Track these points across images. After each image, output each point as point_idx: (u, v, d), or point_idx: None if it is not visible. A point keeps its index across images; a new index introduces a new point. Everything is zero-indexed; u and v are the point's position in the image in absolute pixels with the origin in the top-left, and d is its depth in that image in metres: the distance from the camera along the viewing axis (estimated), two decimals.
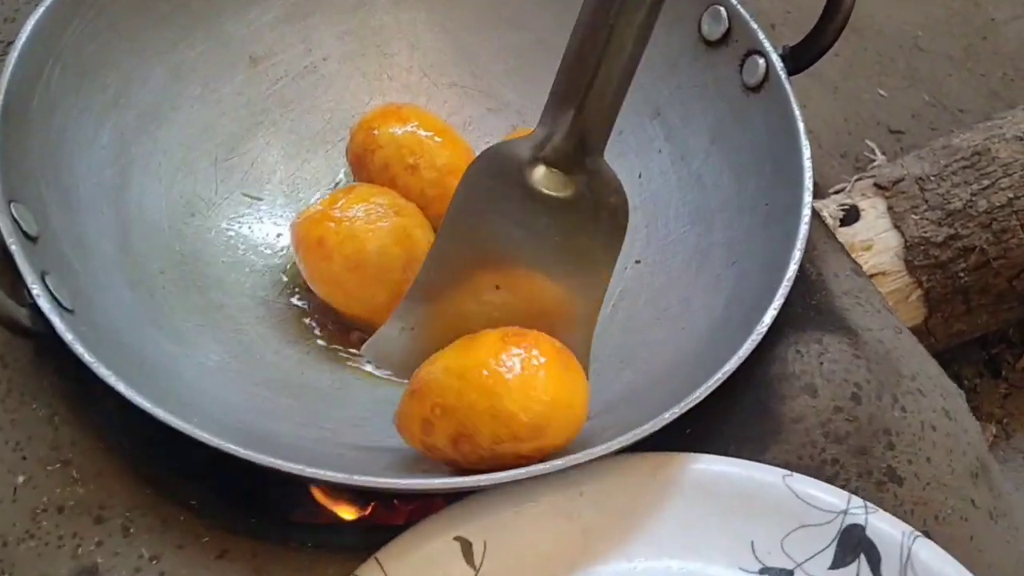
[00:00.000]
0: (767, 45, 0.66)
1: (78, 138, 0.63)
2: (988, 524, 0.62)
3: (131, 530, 0.55)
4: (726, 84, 0.68)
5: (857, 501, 0.54)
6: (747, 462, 0.55)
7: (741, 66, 0.67)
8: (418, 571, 0.52)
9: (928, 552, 0.53)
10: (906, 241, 0.82)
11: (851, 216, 0.84)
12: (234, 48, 0.72)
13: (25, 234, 0.55)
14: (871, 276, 0.81)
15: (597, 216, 0.57)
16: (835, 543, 0.54)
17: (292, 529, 0.57)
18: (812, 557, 0.54)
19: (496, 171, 0.56)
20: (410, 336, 0.60)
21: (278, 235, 0.71)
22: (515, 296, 0.58)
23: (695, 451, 0.56)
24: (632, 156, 0.72)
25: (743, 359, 0.55)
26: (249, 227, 0.70)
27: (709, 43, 0.69)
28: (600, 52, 0.51)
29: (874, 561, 0.53)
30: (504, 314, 0.57)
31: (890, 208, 0.84)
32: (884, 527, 0.54)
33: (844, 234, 0.84)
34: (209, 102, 0.71)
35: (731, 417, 0.59)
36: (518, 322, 0.55)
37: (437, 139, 0.68)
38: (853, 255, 0.77)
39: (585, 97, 0.52)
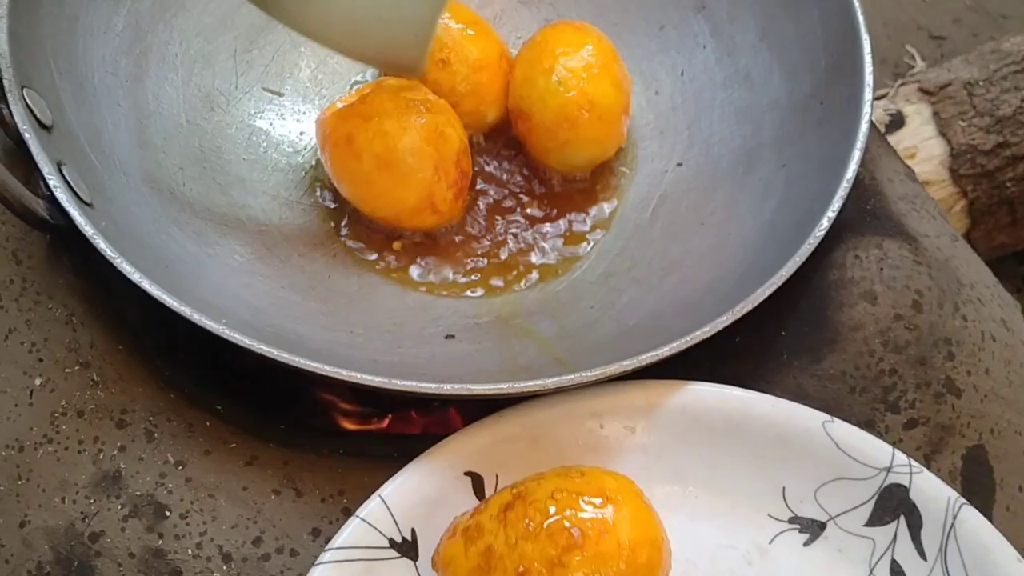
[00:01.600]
0: None
1: (92, 25, 0.61)
2: None
3: (155, 435, 0.53)
4: None
5: (901, 458, 0.51)
6: (787, 403, 0.52)
7: None
8: (427, 510, 0.50)
9: (975, 522, 0.50)
10: (952, 149, 0.79)
11: (896, 122, 0.81)
12: None
13: (39, 122, 0.53)
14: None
15: None
16: (874, 500, 0.51)
17: (323, 437, 0.55)
18: (847, 511, 0.52)
19: None
20: None
21: (301, 132, 0.68)
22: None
23: (746, 360, 0.54)
24: (674, 52, 0.70)
25: (799, 264, 0.52)
26: (271, 123, 0.67)
27: None
28: None
29: (915, 525, 0.51)
30: None
31: (936, 114, 0.80)
32: (929, 490, 0.50)
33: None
34: None
35: (786, 325, 0.56)
36: None
37: (470, 31, 0.65)
38: None
39: None
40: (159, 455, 0.52)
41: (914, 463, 0.50)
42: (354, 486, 0.52)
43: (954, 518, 0.50)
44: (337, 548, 0.48)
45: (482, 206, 0.66)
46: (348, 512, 0.51)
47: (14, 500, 0.52)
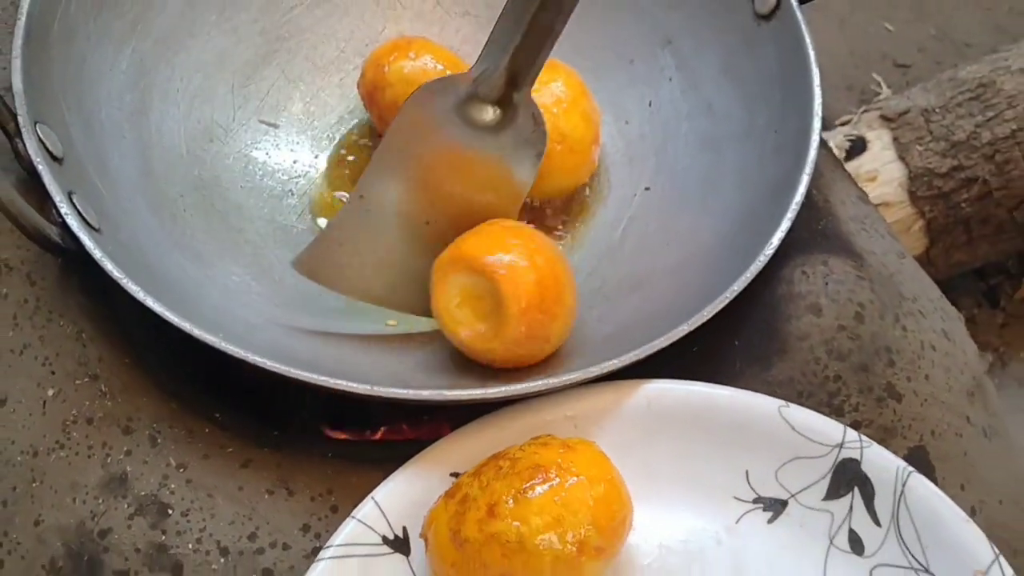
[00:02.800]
0: None
1: (98, 64, 0.65)
2: (982, 441, 0.64)
3: (158, 440, 0.57)
4: (737, 12, 0.69)
5: (852, 435, 0.55)
6: (744, 392, 0.56)
7: None
8: (416, 509, 0.54)
9: (922, 488, 0.54)
10: (910, 172, 0.84)
11: (857, 147, 0.86)
12: None
13: (51, 154, 0.57)
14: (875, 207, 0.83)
15: (518, 144, 0.63)
16: (830, 475, 0.55)
17: (313, 442, 0.59)
18: (806, 488, 0.56)
19: (435, 101, 0.62)
20: (341, 251, 0.63)
21: (294, 161, 0.72)
22: (443, 226, 0.62)
23: (703, 369, 0.59)
24: (642, 84, 0.74)
25: (749, 280, 0.57)
26: (266, 153, 0.72)
27: None
28: (535, 6, 0.57)
29: (868, 495, 0.55)
30: (435, 241, 0.60)
31: (895, 139, 0.85)
32: (879, 461, 0.55)
33: (850, 165, 0.85)
34: (225, 29, 0.72)
35: (738, 336, 0.61)
36: (447, 242, 0.59)
37: (448, 73, 0.69)
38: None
39: (521, 40, 0.58)
40: (162, 459, 0.56)
41: (864, 438, 0.55)
42: (342, 486, 0.56)
43: (903, 486, 0.54)
44: (336, 546, 0.52)
45: None
46: (336, 510, 0.55)
47: (29, 501, 0.56)
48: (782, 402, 0.56)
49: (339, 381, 0.53)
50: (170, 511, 0.55)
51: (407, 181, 0.62)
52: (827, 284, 0.61)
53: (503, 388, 0.54)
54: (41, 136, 0.57)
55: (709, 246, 0.64)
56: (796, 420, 0.55)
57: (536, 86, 0.65)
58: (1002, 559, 0.52)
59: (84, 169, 0.60)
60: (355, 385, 0.53)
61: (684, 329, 0.55)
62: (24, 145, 0.56)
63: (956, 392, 0.62)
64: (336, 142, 0.74)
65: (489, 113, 0.62)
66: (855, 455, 0.55)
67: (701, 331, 0.56)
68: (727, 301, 0.56)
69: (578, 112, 0.67)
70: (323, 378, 0.53)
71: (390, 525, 0.53)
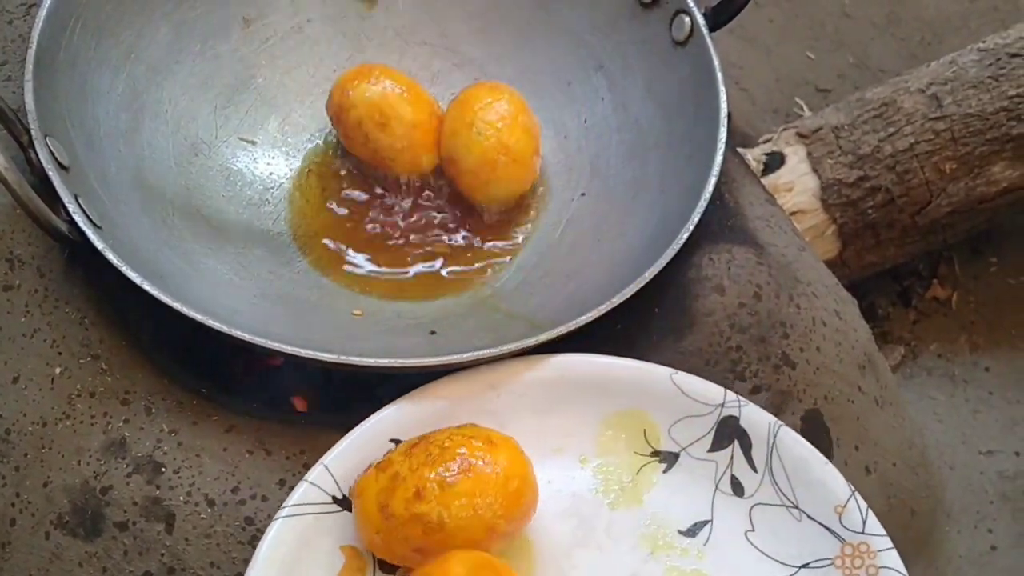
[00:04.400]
0: (692, 6, 0.76)
1: (97, 86, 0.73)
2: (874, 409, 0.73)
3: (152, 410, 0.65)
4: (658, 40, 0.79)
5: (732, 396, 0.64)
6: (641, 362, 0.65)
7: (671, 24, 0.78)
8: (360, 472, 0.61)
9: (790, 438, 0.63)
10: (822, 182, 0.93)
11: (776, 161, 0.96)
12: (229, 10, 0.82)
13: (59, 163, 0.65)
14: (791, 214, 0.92)
15: None
16: (713, 431, 0.64)
17: (287, 411, 0.67)
18: (694, 442, 0.64)
19: None
20: None
21: (270, 173, 0.81)
22: None
23: (626, 341, 0.68)
24: (579, 104, 0.83)
25: (662, 266, 0.66)
26: (246, 166, 0.80)
27: (644, 4, 0.79)
28: None
29: (746, 446, 0.64)
30: None
31: (809, 154, 0.95)
32: (754, 417, 0.64)
33: (770, 177, 0.95)
34: (208, 57, 0.81)
35: (655, 314, 0.69)
36: None
37: (405, 95, 0.77)
38: (776, 196, 0.89)
39: None
40: (156, 425, 0.64)
41: (741, 398, 0.64)
42: (312, 447, 0.64)
43: (774, 437, 0.63)
44: (292, 505, 0.59)
45: (425, 228, 0.79)
46: (307, 467, 0.63)
47: (39, 465, 0.64)
48: (672, 370, 0.64)
49: (309, 351, 0.61)
50: (163, 469, 0.63)
51: None
52: (730, 268, 0.70)
53: (448, 357, 0.63)
54: (51, 147, 0.65)
55: (634, 241, 0.73)
56: (684, 385, 0.64)
57: (482, 104, 0.73)
58: (858, 496, 0.61)
59: (87, 177, 0.68)
60: (323, 354, 0.61)
61: (606, 307, 0.64)
62: (36, 155, 0.65)
63: (847, 363, 0.71)
64: (305, 156, 0.82)
65: None
66: (735, 413, 0.64)
67: (624, 310, 0.65)
68: (643, 283, 0.65)
69: (520, 127, 0.76)
70: (296, 349, 0.61)
71: (338, 486, 0.61)
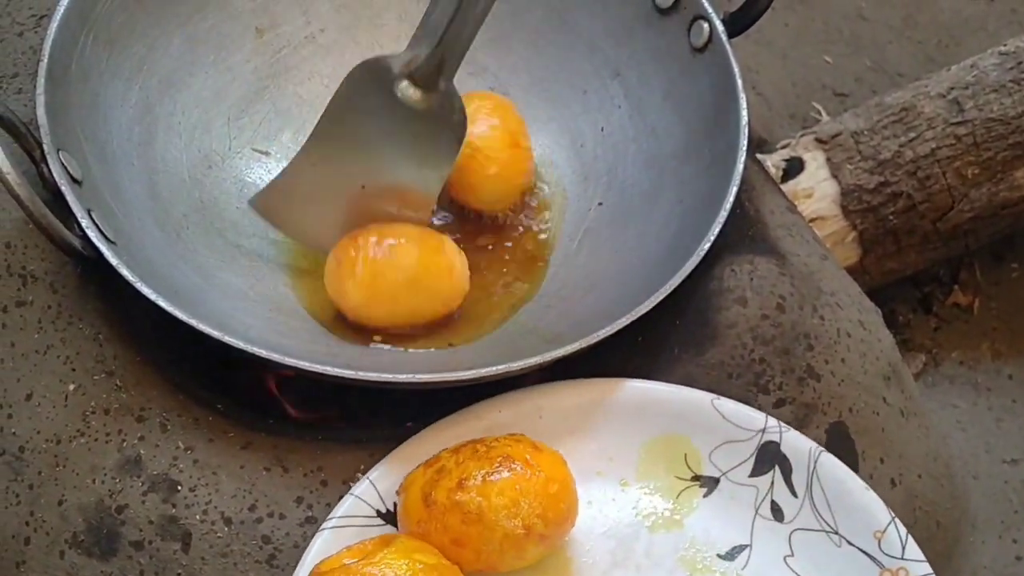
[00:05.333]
0: (711, 11, 0.75)
1: (110, 99, 0.73)
2: (899, 420, 0.72)
3: (168, 427, 0.64)
4: (676, 47, 0.77)
5: (773, 422, 0.64)
6: (682, 387, 0.65)
7: (688, 30, 0.76)
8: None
9: (831, 464, 0.63)
10: (842, 188, 0.92)
11: (795, 168, 0.94)
12: (242, 20, 0.81)
13: (72, 177, 0.65)
14: (811, 221, 0.91)
15: (441, 127, 0.72)
16: (754, 456, 0.64)
17: (305, 427, 0.67)
18: (735, 467, 0.64)
19: (370, 78, 0.70)
20: (290, 197, 0.73)
21: None
22: (376, 191, 0.72)
23: (646, 355, 0.67)
24: (595, 112, 0.82)
25: (683, 278, 0.65)
26: (259, 177, 0.80)
27: (661, 11, 0.78)
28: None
29: (786, 471, 0.63)
30: (369, 201, 0.72)
31: (828, 160, 0.94)
32: (795, 443, 0.64)
33: (789, 184, 0.94)
34: (221, 68, 0.80)
35: (676, 326, 0.69)
36: (379, 204, 0.71)
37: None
38: (796, 203, 0.88)
39: (446, 31, 0.67)
40: (171, 443, 0.64)
41: (782, 424, 0.63)
42: (330, 463, 0.63)
43: (815, 463, 0.63)
44: (338, 517, 0.60)
45: None
46: (325, 484, 0.62)
47: (53, 483, 0.63)
48: (714, 395, 0.64)
49: (327, 367, 0.61)
50: (179, 487, 0.62)
51: (344, 148, 0.72)
52: (752, 279, 0.69)
53: (466, 373, 0.62)
54: (63, 161, 0.64)
55: (653, 251, 0.72)
56: (726, 410, 0.64)
57: (472, 113, 0.73)
58: (897, 521, 0.61)
59: (100, 191, 0.67)
60: (341, 371, 0.61)
61: (626, 320, 0.63)
62: (48, 170, 0.64)
63: (872, 375, 0.70)
64: None
65: (418, 94, 0.70)
66: (775, 438, 0.64)
67: (644, 323, 0.64)
68: (664, 296, 0.64)
69: (487, 125, 0.75)
70: (314, 365, 0.61)
71: (382, 500, 0.61)
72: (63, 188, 0.63)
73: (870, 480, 0.69)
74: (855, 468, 0.68)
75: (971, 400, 0.98)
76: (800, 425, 0.67)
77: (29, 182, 0.60)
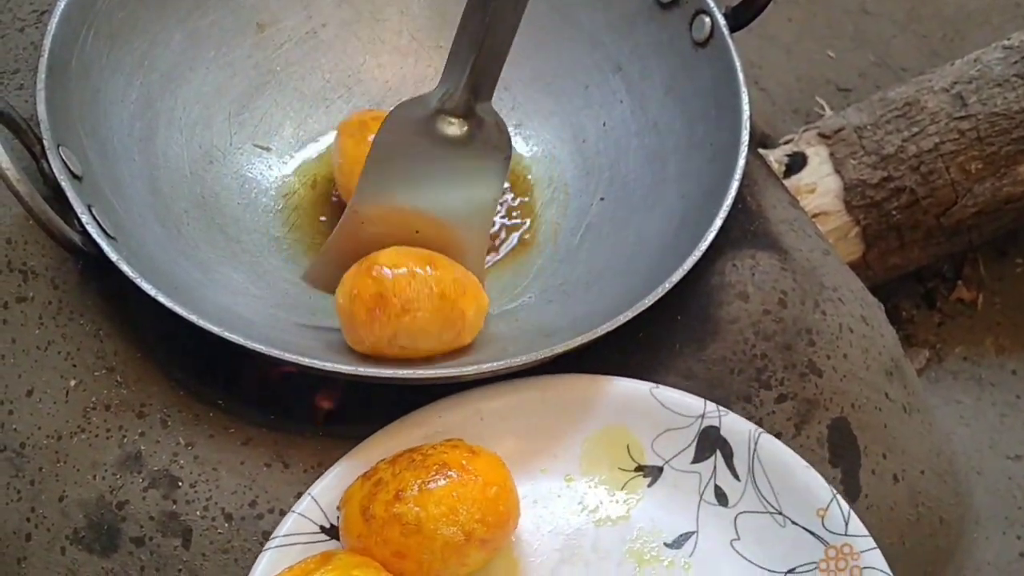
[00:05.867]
0: (712, 6, 0.75)
1: (110, 95, 0.73)
2: (902, 416, 0.72)
3: (168, 423, 0.64)
4: (678, 41, 0.77)
5: (712, 406, 0.63)
6: (621, 379, 0.65)
7: (690, 25, 0.76)
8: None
9: (770, 444, 0.63)
10: (845, 184, 0.92)
11: (798, 163, 0.94)
12: (243, 16, 0.81)
13: (72, 173, 0.65)
14: (814, 216, 0.91)
15: (486, 151, 0.71)
16: (695, 442, 0.64)
17: (305, 423, 0.67)
18: (677, 455, 0.64)
19: (408, 120, 0.70)
20: (341, 262, 0.68)
21: (285, 180, 0.80)
22: (431, 234, 0.70)
23: (647, 351, 0.66)
24: (597, 107, 0.82)
25: (684, 273, 0.65)
26: (260, 173, 0.80)
27: (662, 5, 0.78)
28: (486, 26, 0.65)
29: (727, 454, 0.63)
30: (424, 246, 0.68)
31: (831, 155, 0.93)
32: (735, 426, 0.63)
33: (792, 179, 0.94)
34: (222, 64, 0.80)
35: (678, 322, 0.68)
36: (437, 248, 0.68)
37: None
38: (799, 198, 0.87)
39: (476, 59, 0.66)
40: (172, 439, 0.64)
41: (721, 408, 0.63)
42: (330, 459, 0.63)
43: (755, 444, 0.63)
44: (282, 536, 0.59)
45: None
46: None
47: (54, 479, 0.63)
48: (653, 384, 0.64)
49: (328, 364, 0.61)
50: (180, 483, 0.62)
51: (393, 195, 0.70)
52: (754, 275, 0.69)
53: (467, 369, 0.62)
54: (63, 157, 0.64)
55: (654, 247, 0.72)
56: (665, 398, 0.64)
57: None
58: (839, 497, 0.61)
59: (100, 187, 0.67)
60: (342, 367, 0.61)
61: (627, 315, 0.63)
62: (49, 165, 0.64)
63: (874, 370, 0.70)
64: (322, 162, 0.82)
65: (457, 127, 0.70)
66: (715, 423, 0.64)
67: (645, 318, 0.64)
68: (665, 291, 0.64)
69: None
70: (314, 361, 0.60)
71: (325, 516, 0.61)
72: (63, 184, 0.63)
73: (872, 476, 0.69)
74: (857, 464, 0.68)
75: (975, 396, 0.97)
76: (802, 420, 0.67)
77: (29, 178, 0.61)
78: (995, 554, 0.86)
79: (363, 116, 0.77)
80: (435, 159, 0.71)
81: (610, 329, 0.63)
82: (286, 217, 0.78)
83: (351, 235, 0.70)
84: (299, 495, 0.62)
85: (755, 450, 0.63)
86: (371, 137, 0.72)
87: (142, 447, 0.63)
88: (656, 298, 0.64)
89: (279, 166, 0.81)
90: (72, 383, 0.65)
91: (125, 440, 0.64)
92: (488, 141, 0.71)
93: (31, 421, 0.65)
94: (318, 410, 0.72)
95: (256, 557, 0.60)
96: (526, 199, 0.81)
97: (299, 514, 0.60)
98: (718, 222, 0.67)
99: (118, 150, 0.72)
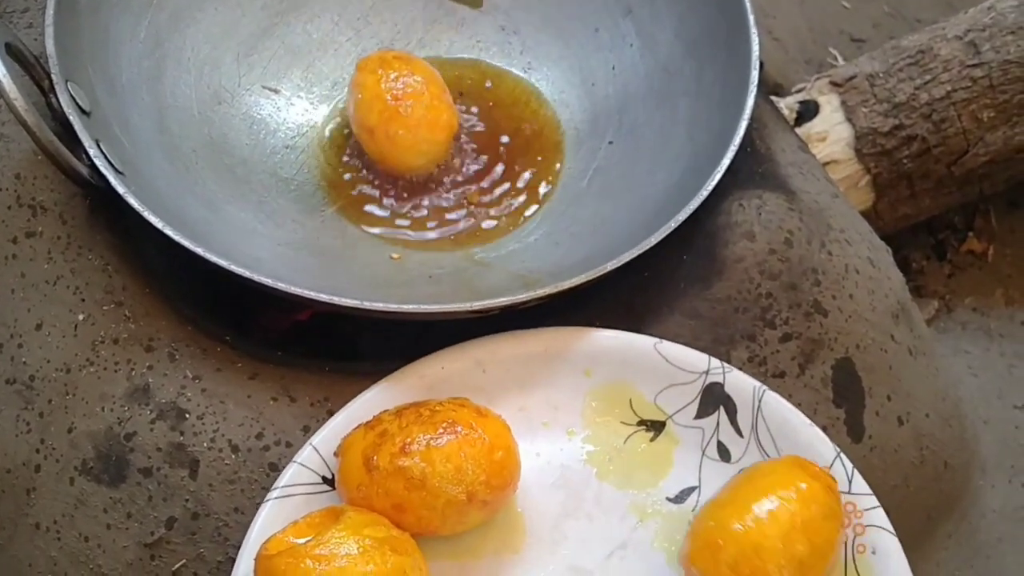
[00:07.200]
0: None
1: (119, 33, 0.73)
2: (907, 359, 0.72)
3: (176, 357, 0.65)
4: None
5: (716, 362, 0.63)
6: (625, 333, 0.64)
7: None
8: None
9: (775, 402, 0.62)
10: (856, 132, 0.91)
11: (810, 111, 0.93)
12: None
13: (80, 108, 0.65)
14: (825, 164, 0.90)
15: None
16: (699, 398, 0.63)
17: (312, 358, 0.67)
18: (680, 410, 0.64)
19: None
20: None
21: (294, 122, 0.80)
22: None
23: (652, 289, 0.66)
24: (607, 51, 0.82)
25: (690, 212, 0.65)
26: (269, 115, 0.80)
27: None
28: None
29: (731, 411, 0.63)
30: None
31: (843, 103, 0.93)
32: (739, 383, 0.63)
33: (804, 127, 0.93)
34: (231, 4, 0.80)
35: (683, 261, 0.68)
36: None
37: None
38: (810, 145, 0.87)
39: None
40: (180, 372, 0.64)
41: (725, 364, 0.63)
42: (336, 394, 0.64)
43: (759, 401, 0.62)
44: (282, 487, 0.59)
45: (448, 183, 0.78)
46: (331, 413, 0.63)
47: (63, 412, 0.64)
48: (656, 339, 0.64)
49: (332, 297, 0.61)
50: (187, 416, 0.63)
51: None
52: (760, 214, 0.69)
53: (476, 303, 0.62)
54: (72, 92, 0.65)
55: (662, 189, 0.72)
56: (669, 353, 0.64)
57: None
58: (843, 456, 0.60)
59: (109, 123, 0.68)
60: (347, 300, 0.61)
61: (633, 253, 0.63)
62: (57, 100, 0.64)
63: (880, 312, 0.70)
64: (331, 105, 0.81)
65: None
66: (719, 379, 0.63)
67: (651, 258, 0.64)
68: (670, 230, 0.64)
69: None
70: (319, 294, 0.61)
71: (327, 465, 0.60)
72: (71, 118, 0.64)
73: (876, 417, 0.69)
74: (861, 405, 0.68)
75: (983, 346, 0.97)
76: (807, 360, 0.67)
77: (38, 112, 0.61)
78: (1001, 502, 0.86)
79: (384, 54, 0.77)
80: None
81: (616, 266, 0.63)
82: (294, 158, 0.79)
83: None
84: (305, 428, 0.63)
85: (759, 407, 0.62)
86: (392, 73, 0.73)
87: (150, 380, 0.64)
88: (661, 236, 0.64)
89: (287, 108, 0.81)
90: (81, 317, 0.66)
91: (133, 373, 0.64)
92: None
93: (40, 354, 0.65)
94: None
95: (262, 488, 0.61)
96: None
97: (300, 464, 0.60)
98: (726, 161, 0.66)
99: (127, 88, 0.72)
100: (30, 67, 0.66)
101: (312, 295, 0.61)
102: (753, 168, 0.72)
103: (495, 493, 0.58)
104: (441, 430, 0.57)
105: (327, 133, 0.80)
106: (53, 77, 0.65)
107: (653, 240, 0.64)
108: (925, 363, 0.74)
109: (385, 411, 0.60)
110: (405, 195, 0.76)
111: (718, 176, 0.66)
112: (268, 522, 0.58)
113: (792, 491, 0.56)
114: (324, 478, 0.60)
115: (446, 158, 0.77)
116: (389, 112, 0.73)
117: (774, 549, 0.54)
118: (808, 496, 0.56)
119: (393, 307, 0.61)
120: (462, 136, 0.79)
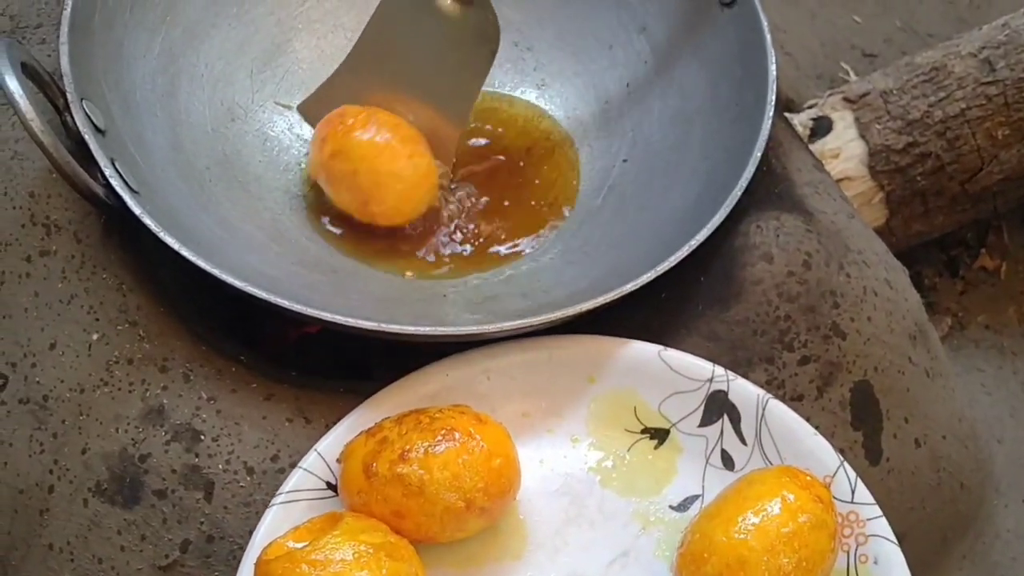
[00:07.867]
0: None
1: (133, 50, 0.73)
2: (924, 380, 0.71)
3: (191, 378, 0.64)
4: (703, 1, 0.76)
5: (720, 370, 0.63)
6: (630, 340, 0.64)
7: None
8: None
9: (779, 411, 0.62)
10: (870, 148, 0.91)
11: (823, 127, 0.93)
12: None
13: (95, 127, 0.65)
14: (838, 181, 0.90)
15: (476, 39, 0.74)
16: (702, 406, 0.63)
17: (326, 379, 0.67)
18: (684, 418, 0.64)
19: None
20: (336, 100, 0.75)
21: (307, 139, 0.80)
22: (412, 102, 0.76)
23: (669, 311, 0.66)
24: (621, 68, 0.81)
25: (708, 234, 0.64)
26: (282, 131, 0.79)
27: None
28: None
29: (735, 419, 0.63)
30: (405, 110, 0.75)
31: (857, 119, 0.92)
32: (743, 391, 0.63)
33: (817, 143, 0.93)
34: (244, 21, 0.80)
35: (701, 283, 0.68)
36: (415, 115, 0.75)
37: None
38: (823, 162, 0.87)
39: None
40: (194, 393, 0.64)
41: (729, 372, 0.63)
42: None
43: (763, 409, 0.62)
44: (287, 492, 0.59)
45: (455, 207, 0.78)
46: None
47: (77, 432, 0.64)
48: (661, 347, 0.64)
49: (349, 319, 0.61)
50: (202, 437, 0.63)
51: (384, 56, 0.75)
52: (778, 236, 0.69)
53: (489, 327, 0.62)
54: (87, 111, 0.64)
55: (677, 208, 0.72)
56: (673, 361, 0.64)
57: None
58: (846, 465, 0.60)
59: (123, 141, 0.67)
60: (363, 322, 0.60)
61: (650, 276, 0.63)
62: (72, 119, 0.64)
63: (898, 334, 0.70)
64: None
65: (456, 8, 0.73)
66: (723, 387, 0.63)
67: (669, 279, 0.64)
68: (688, 251, 0.64)
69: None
70: (336, 316, 0.60)
71: (332, 472, 0.60)
72: (87, 137, 0.63)
73: (894, 439, 0.69)
74: (879, 427, 0.68)
75: (996, 364, 0.97)
76: (825, 383, 0.66)
77: (53, 131, 0.60)
78: (1015, 522, 0.86)
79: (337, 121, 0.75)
80: (431, 33, 0.74)
81: (632, 289, 0.62)
82: (307, 175, 0.78)
83: (343, 80, 0.77)
84: None
85: (763, 415, 0.62)
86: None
87: (164, 401, 0.64)
88: (679, 259, 0.63)
89: (301, 124, 0.80)
90: (95, 337, 0.66)
91: (148, 394, 0.64)
92: (480, 30, 0.73)
93: (54, 374, 0.65)
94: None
95: None
96: None
97: (305, 470, 0.60)
98: (743, 182, 0.66)
99: (141, 105, 0.72)
100: (45, 86, 0.66)
101: (332, 318, 0.60)
102: (770, 188, 0.72)
103: (494, 500, 0.58)
104: (439, 437, 0.57)
105: None
106: (68, 96, 0.65)
107: (671, 262, 0.63)
108: (942, 384, 0.73)
109: (387, 418, 0.60)
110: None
111: (737, 196, 0.65)
112: (272, 527, 0.58)
113: (779, 502, 0.56)
114: (329, 484, 0.60)
115: (435, 203, 0.76)
116: (362, 197, 0.73)
117: (758, 562, 0.54)
118: (795, 507, 0.56)
119: (410, 330, 0.61)
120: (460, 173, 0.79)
